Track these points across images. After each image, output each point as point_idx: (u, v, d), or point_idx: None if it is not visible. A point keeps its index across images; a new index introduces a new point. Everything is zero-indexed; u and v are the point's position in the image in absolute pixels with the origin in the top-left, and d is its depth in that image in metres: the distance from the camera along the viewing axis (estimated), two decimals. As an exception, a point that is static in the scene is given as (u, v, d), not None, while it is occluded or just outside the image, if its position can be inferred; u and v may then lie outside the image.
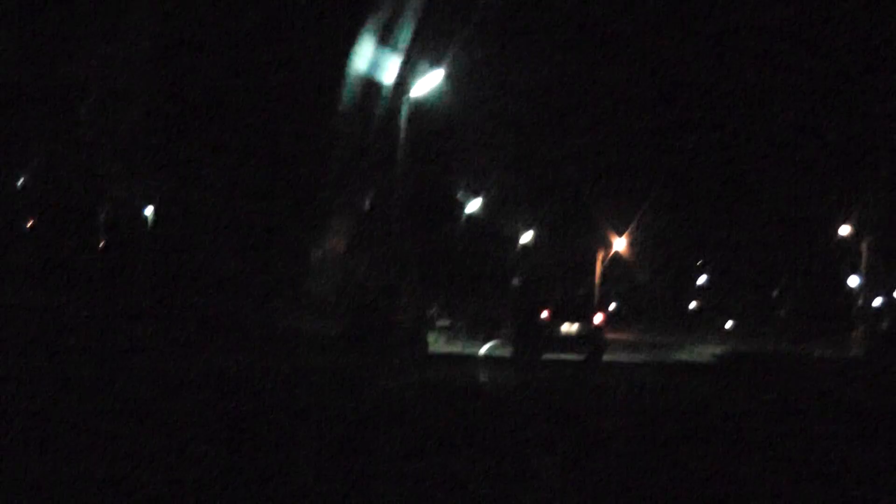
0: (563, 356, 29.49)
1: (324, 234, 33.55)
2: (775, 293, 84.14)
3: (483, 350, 32.22)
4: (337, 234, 34.04)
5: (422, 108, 31.69)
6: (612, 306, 75.74)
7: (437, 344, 32.09)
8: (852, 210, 61.25)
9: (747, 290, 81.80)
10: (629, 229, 67.89)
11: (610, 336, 36.27)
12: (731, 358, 30.47)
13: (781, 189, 68.20)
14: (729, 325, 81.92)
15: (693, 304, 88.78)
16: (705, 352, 37.47)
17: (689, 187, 70.52)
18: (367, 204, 36.54)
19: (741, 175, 69.37)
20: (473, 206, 48.25)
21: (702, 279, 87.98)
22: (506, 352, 31.59)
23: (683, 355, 37.67)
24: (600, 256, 68.63)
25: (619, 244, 68.83)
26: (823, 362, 35.92)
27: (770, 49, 59.41)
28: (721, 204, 72.71)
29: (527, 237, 62.16)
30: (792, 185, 66.44)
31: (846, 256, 65.21)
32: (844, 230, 63.50)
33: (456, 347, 32.27)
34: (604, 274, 68.62)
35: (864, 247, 61.59)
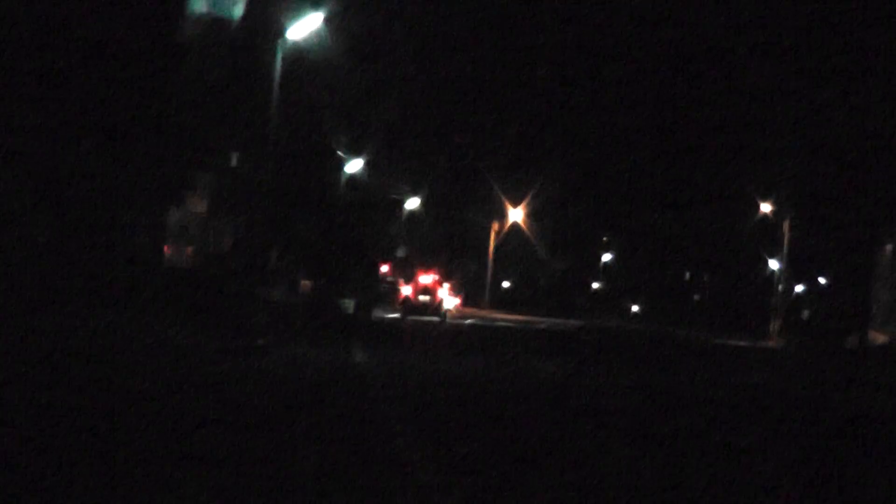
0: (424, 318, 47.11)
1: (182, 192, 34.04)
2: (688, 275, 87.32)
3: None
4: (197, 194, 34.56)
5: (299, 54, 32.68)
6: (506, 284, 77.88)
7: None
8: (774, 184, 63.52)
9: (658, 272, 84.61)
10: (527, 199, 69.81)
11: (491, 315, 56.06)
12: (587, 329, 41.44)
13: (697, 161, 71.05)
14: (635, 308, 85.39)
15: (596, 285, 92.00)
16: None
17: (595, 155, 72.55)
18: (233, 159, 37.23)
19: (653, 144, 71.71)
20: (354, 166, 49.23)
21: (607, 257, 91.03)
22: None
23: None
24: (494, 229, 70.74)
25: (516, 215, 71.00)
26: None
27: (684, 14, 63.60)
28: (631, 176, 75.06)
29: (414, 203, 63.56)
30: (709, 157, 69.23)
31: (767, 236, 67.64)
32: (766, 207, 65.79)
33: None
34: (499, 248, 70.68)
35: (785, 226, 63.88)
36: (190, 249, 34.30)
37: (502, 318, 59.77)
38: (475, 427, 13.61)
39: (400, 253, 61.31)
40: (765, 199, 64.79)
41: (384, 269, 51.95)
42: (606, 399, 18.59)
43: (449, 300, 55.18)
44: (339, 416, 13.26)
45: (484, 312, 63.67)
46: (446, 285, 51.84)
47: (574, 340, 38.49)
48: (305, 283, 43.28)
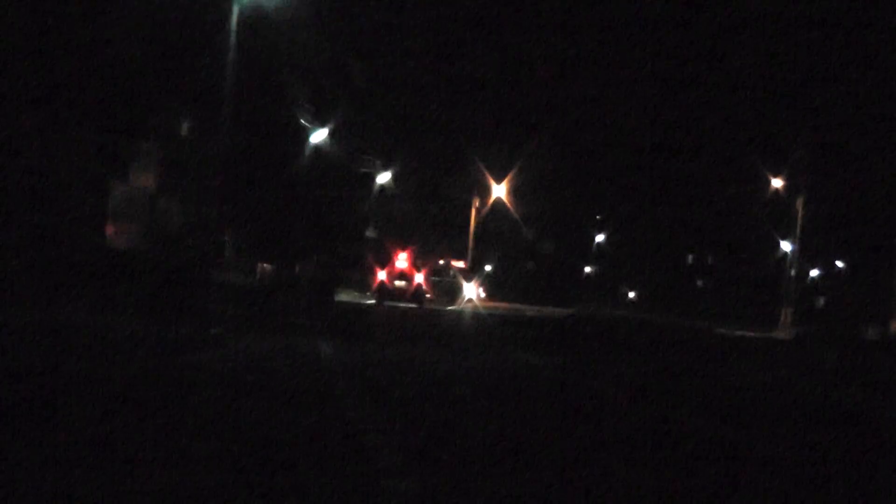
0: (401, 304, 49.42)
1: (124, 164, 33.69)
2: (690, 258, 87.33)
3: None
4: (142, 166, 34.24)
5: (260, 11, 32.33)
6: (488, 268, 77.83)
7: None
8: (786, 157, 63.39)
9: (657, 254, 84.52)
10: (512, 173, 69.52)
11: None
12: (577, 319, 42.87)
13: (701, 132, 70.79)
14: (632, 295, 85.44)
15: (588, 269, 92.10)
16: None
17: (587, 124, 72.30)
18: (183, 127, 36.93)
19: (653, 112, 71.48)
20: (319, 136, 48.77)
21: (600, 237, 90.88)
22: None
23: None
24: (475, 206, 70.43)
25: (500, 191, 70.65)
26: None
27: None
28: (627, 148, 74.82)
29: (385, 178, 63.10)
30: (715, 127, 69.02)
31: (778, 215, 67.54)
32: (777, 183, 65.60)
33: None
34: (480, 227, 70.37)
35: (798, 203, 63.75)
36: (135, 229, 33.92)
37: (485, 305, 60.04)
38: (447, 424, 13.54)
39: (370, 233, 61.52)
40: (776, 174, 64.52)
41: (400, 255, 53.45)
42: (593, 399, 18.41)
43: (469, 289, 59.97)
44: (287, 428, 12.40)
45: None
46: (456, 264, 54.21)
47: (563, 331, 38.44)
48: (265, 266, 43.16)
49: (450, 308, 52.34)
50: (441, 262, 63.54)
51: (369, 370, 19.84)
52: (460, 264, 66.23)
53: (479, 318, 45.31)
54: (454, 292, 60.08)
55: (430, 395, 16.73)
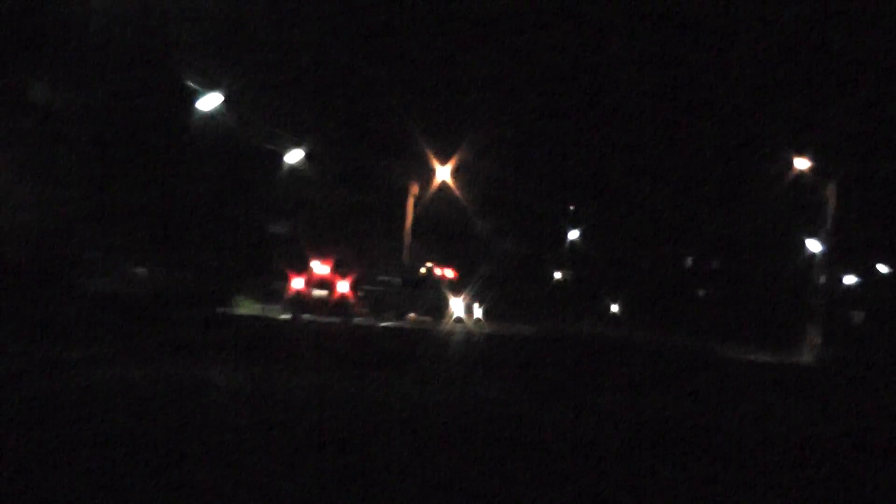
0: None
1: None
2: (690, 261, 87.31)
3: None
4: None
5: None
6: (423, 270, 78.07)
7: None
8: (814, 132, 63.08)
9: (647, 256, 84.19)
10: (458, 153, 69.07)
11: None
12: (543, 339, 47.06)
13: (704, 102, 70.52)
14: (615, 308, 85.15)
15: (558, 275, 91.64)
16: None
17: (559, 91, 72.07)
18: (35, 90, 37.12)
19: (643, 75, 71.33)
20: (211, 103, 48.93)
21: (574, 234, 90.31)
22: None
23: None
24: (413, 192, 70.59)
25: (445, 174, 70.54)
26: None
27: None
28: (610, 122, 74.52)
29: (296, 156, 62.79)
30: (722, 95, 68.81)
31: (803, 206, 67.44)
32: (801, 164, 65.30)
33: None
34: (420, 218, 70.31)
35: (830, 191, 63.86)
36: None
37: (429, 319, 60.29)
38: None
39: (279, 228, 62.83)
40: (800, 153, 64.36)
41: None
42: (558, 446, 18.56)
43: (467, 308, 61.59)
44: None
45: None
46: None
47: (526, 354, 39.44)
48: (140, 270, 43.45)
49: (384, 325, 52.62)
50: (423, 269, 64.14)
51: (268, 407, 19.95)
52: (448, 272, 66.49)
53: (418, 336, 45.99)
54: (439, 308, 61.50)
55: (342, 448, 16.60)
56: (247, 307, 51.49)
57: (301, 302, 51.97)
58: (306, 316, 50.82)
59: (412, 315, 60.05)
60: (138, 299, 37.68)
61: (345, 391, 23.71)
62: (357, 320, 51.69)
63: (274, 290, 54.40)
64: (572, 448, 18.66)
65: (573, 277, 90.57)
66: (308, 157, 63.93)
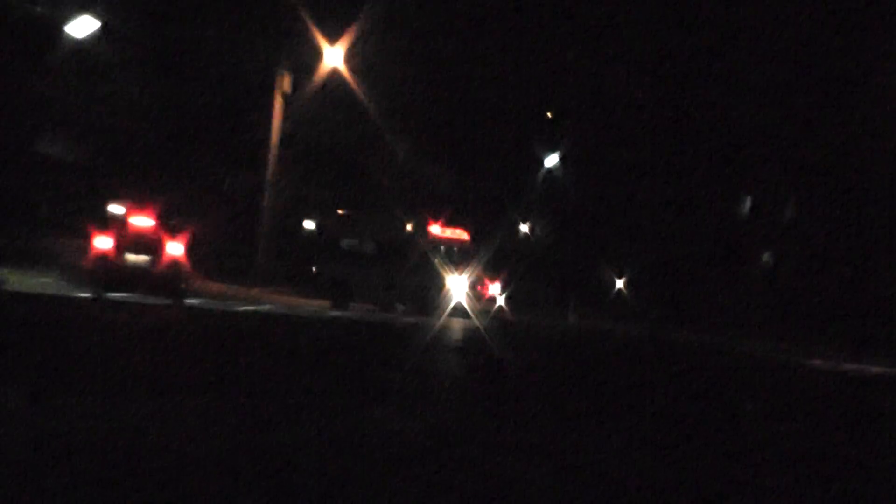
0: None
1: None
2: (747, 204, 76.25)
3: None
4: None
5: None
6: (310, 225, 65.86)
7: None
8: None
9: (676, 201, 72.98)
10: (358, 24, 52.97)
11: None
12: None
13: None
14: (620, 284, 73.34)
15: (525, 228, 79.77)
16: None
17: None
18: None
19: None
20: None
21: (552, 159, 77.80)
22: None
23: None
24: (283, 87, 54.57)
25: (336, 58, 55.53)
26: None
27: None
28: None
29: (85, 27, 49.76)
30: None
31: None
32: None
33: None
34: (292, 138, 55.75)
35: None
36: None
37: (310, 302, 51.77)
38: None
39: (55, 148, 50.92)
40: None
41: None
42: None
43: (458, 286, 51.35)
44: None
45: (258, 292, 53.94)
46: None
47: (464, 357, 31.37)
48: None
49: (243, 309, 42.68)
50: (408, 225, 53.54)
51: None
52: (459, 233, 55.58)
53: (296, 326, 37.35)
54: (431, 293, 50.99)
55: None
56: (24, 280, 39.98)
57: (108, 272, 39.67)
58: (116, 295, 39.34)
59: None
60: None
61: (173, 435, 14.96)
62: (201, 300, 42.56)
63: (44, 252, 43.92)
64: None
65: (553, 231, 78.53)
66: (105, 29, 51.00)
